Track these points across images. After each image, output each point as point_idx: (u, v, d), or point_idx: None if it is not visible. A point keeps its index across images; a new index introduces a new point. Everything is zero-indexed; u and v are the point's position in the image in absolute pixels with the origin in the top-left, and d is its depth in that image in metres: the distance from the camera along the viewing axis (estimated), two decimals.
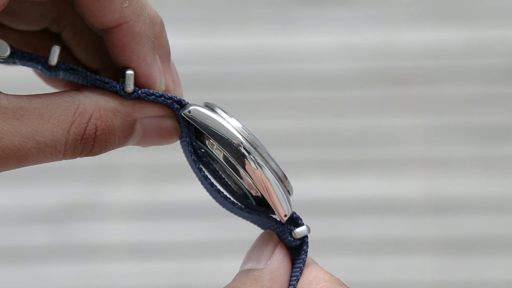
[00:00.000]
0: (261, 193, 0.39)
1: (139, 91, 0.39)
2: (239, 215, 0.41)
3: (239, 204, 0.40)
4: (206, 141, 0.39)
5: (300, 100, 1.05)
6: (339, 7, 1.07)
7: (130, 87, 0.39)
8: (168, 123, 0.40)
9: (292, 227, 0.39)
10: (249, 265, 0.39)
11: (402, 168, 1.03)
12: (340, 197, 1.02)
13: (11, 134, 0.36)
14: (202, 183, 0.41)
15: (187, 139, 0.40)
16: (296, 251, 0.40)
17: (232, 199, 0.40)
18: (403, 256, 1.00)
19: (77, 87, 0.39)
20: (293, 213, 0.39)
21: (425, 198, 1.02)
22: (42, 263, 1.01)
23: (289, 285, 0.39)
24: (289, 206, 0.39)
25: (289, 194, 0.39)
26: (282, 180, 0.39)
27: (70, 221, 1.02)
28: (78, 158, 0.38)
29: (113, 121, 0.38)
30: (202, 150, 0.40)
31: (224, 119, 0.39)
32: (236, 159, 0.38)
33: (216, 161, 0.40)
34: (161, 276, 1.01)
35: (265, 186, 0.38)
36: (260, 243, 0.40)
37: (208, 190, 0.42)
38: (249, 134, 0.39)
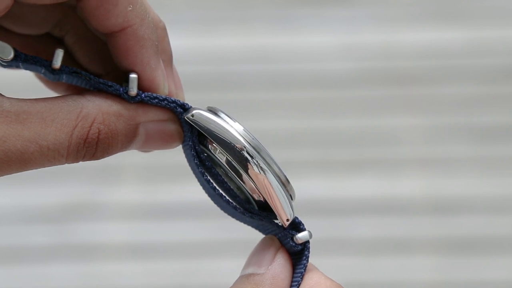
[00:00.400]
0: (263, 198, 0.39)
1: (143, 95, 0.39)
2: (241, 220, 0.41)
3: (241, 209, 0.40)
4: (209, 145, 0.39)
5: (300, 100, 1.05)
6: (339, 7, 1.07)
7: (133, 90, 0.39)
8: (171, 127, 0.40)
9: (294, 232, 0.39)
10: (250, 270, 0.39)
11: (402, 168, 1.03)
12: (340, 197, 1.02)
13: (13, 137, 0.36)
14: (204, 187, 0.41)
15: (190, 143, 0.40)
16: (298, 256, 0.39)
17: (234, 203, 0.40)
18: (403, 256, 1.00)
19: (79, 92, 0.39)
20: (295, 218, 0.39)
21: (425, 198, 1.02)
22: (42, 263, 1.01)
23: None
24: (291, 210, 0.39)
25: (292, 199, 0.39)
26: (285, 184, 0.39)
27: (70, 221, 1.02)
28: None
29: (116, 125, 0.38)
30: (205, 154, 0.40)
31: (228, 123, 0.39)
32: (239, 163, 0.38)
33: (219, 165, 0.40)
34: (161, 276, 1.01)
35: (267, 191, 0.38)
36: (262, 247, 0.39)
37: (210, 195, 0.41)
38: (252, 138, 0.38)
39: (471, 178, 1.02)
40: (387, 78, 1.05)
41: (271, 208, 0.39)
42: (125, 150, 0.39)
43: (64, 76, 0.38)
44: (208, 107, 0.40)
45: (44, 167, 0.37)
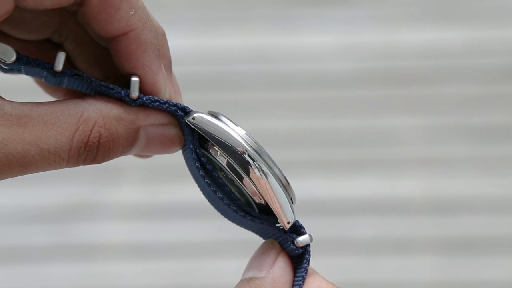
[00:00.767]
0: (264, 200, 0.39)
1: (144, 98, 0.39)
2: (241, 225, 0.41)
3: (242, 212, 0.40)
4: (210, 148, 0.39)
5: (300, 100, 1.05)
6: (339, 7, 1.07)
7: (135, 93, 0.39)
8: (172, 131, 0.40)
9: (294, 236, 0.39)
10: (250, 274, 0.39)
11: (402, 168, 1.03)
12: (340, 197, 1.02)
13: (14, 141, 0.36)
14: (205, 191, 0.41)
15: (191, 147, 0.40)
16: (298, 260, 0.39)
17: (235, 207, 0.40)
18: (403, 256, 1.00)
19: (80, 96, 0.39)
20: (296, 221, 0.39)
21: (425, 198, 1.02)
22: (42, 263, 1.01)
23: None
24: (292, 213, 0.39)
25: (292, 202, 0.39)
26: (286, 187, 0.39)
27: (70, 221, 1.02)
28: None
29: (116, 129, 0.38)
30: (205, 157, 0.40)
31: (229, 126, 0.39)
32: (240, 166, 0.38)
33: (219, 168, 0.40)
34: (161, 276, 1.01)
35: (269, 194, 0.38)
36: (262, 251, 0.39)
37: (210, 198, 0.41)
38: (253, 141, 0.39)
39: (471, 178, 1.03)
40: (387, 78, 1.05)
41: (272, 212, 0.39)
42: (125, 154, 0.39)
43: (66, 80, 0.38)
44: (209, 111, 0.40)
45: (45, 170, 0.37)
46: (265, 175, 0.38)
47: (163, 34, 0.41)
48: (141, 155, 0.42)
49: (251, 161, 0.38)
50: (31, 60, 0.38)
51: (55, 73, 0.38)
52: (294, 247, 0.39)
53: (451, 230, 1.01)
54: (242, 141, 0.38)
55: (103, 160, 0.38)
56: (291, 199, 0.39)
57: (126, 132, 0.38)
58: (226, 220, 0.43)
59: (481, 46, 1.06)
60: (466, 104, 1.05)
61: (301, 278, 0.38)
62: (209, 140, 0.39)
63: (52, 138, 0.36)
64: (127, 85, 0.39)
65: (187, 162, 0.41)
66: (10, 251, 1.02)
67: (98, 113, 0.37)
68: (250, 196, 0.39)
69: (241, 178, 0.39)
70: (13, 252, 1.02)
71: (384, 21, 1.07)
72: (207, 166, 0.40)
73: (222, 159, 0.39)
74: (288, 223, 0.39)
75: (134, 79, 0.39)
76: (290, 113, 1.05)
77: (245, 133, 0.39)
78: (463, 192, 1.02)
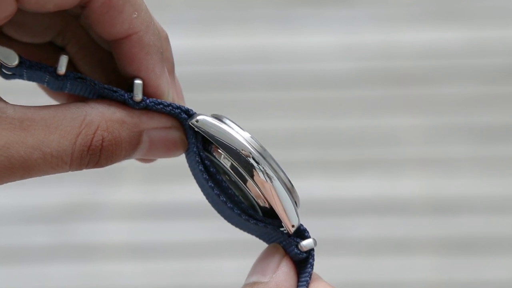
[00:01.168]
0: (268, 204, 0.39)
1: (147, 100, 0.39)
2: (244, 229, 0.41)
3: (246, 215, 0.39)
4: (214, 151, 0.39)
5: (300, 100, 1.05)
6: (339, 7, 1.07)
7: (138, 96, 0.38)
8: (175, 134, 0.40)
9: (298, 240, 0.39)
10: (254, 278, 0.38)
11: (402, 168, 1.03)
12: (340, 197, 1.02)
13: (17, 144, 0.35)
14: (208, 195, 0.41)
15: (194, 149, 0.40)
16: (302, 264, 0.39)
17: (239, 210, 0.40)
18: (403, 256, 1.00)
19: (83, 99, 0.39)
20: (300, 225, 0.39)
21: (425, 198, 1.02)
22: (42, 263, 1.01)
23: None
24: (297, 217, 0.39)
25: (297, 206, 0.39)
26: (291, 190, 0.39)
27: (70, 221, 1.02)
28: None
29: (119, 132, 0.38)
30: (208, 161, 0.40)
31: (233, 129, 0.39)
32: (245, 169, 0.38)
33: (223, 172, 0.40)
34: (161, 276, 1.01)
35: (273, 197, 0.38)
36: (266, 255, 0.39)
37: (213, 202, 0.41)
38: (258, 144, 0.38)
39: (471, 178, 1.03)
40: (387, 78, 1.05)
41: (276, 215, 0.39)
42: (128, 158, 0.39)
43: (68, 84, 0.38)
44: (213, 114, 0.40)
45: (48, 174, 0.37)
46: (270, 179, 0.38)
47: (166, 38, 0.41)
48: (143, 159, 0.42)
49: (255, 164, 0.38)
50: (33, 64, 0.37)
51: (58, 77, 0.38)
52: (298, 252, 0.39)
53: (451, 230, 1.01)
54: (247, 144, 0.38)
55: (106, 164, 0.38)
56: (295, 202, 0.39)
57: (129, 136, 0.38)
58: (225, 220, 0.43)
59: (481, 46, 1.06)
60: (466, 104, 1.05)
61: (305, 282, 0.38)
62: (213, 143, 0.39)
63: (55, 142, 0.36)
64: (130, 88, 0.39)
65: (190, 165, 0.41)
66: (10, 251, 1.02)
67: (101, 116, 0.37)
68: (254, 199, 0.39)
69: (245, 181, 0.39)
70: (13, 252, 1.01)
71: (384, 21, 1.07)
72: (211, 169, 0.40)
73: (226, 162, 0.39)
74: (293, 226, 0.38)
75: (137, 81, 0.39)
76: (290, 113, 1.05)
77: (250, 136, 0.39)
78: (463, 192, 1.02)
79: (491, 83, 1.05)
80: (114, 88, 0.38)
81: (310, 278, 0.38)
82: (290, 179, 0.39)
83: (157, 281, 1.01)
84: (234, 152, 0.38)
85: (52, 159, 0.36)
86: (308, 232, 0.39)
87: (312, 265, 0.39)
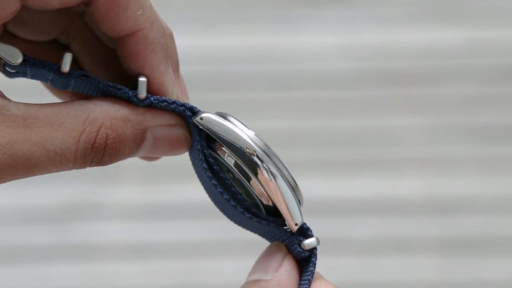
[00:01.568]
0: (272, 202, 0.39)
1: (152, 98, 0.39)
2: (247, 227, 0.41)
3: (249, 213, 0.39)
4: (218, 149, 0.39)
5: (300, 100, 1.05)
6: (339, 7, 1.07)
7: (143, 93, 0.38)
8: (179, 132, 0.40)
9: (301, 238, 0.39)
10: (255, 276, 0.38)
11: (402, 168, 1.03)
12: (340, 197, 1.02)
13: (20, 142, 0.35)
14: (211, 193, 0.41)
15: (198, 147, 0.39)
16: (305, 263, 0.39)
17: (242, 208, 0.39)
18: (403, 256, 1.00)
19: (86, 97, 0.39)
20: (303, 223, 0.39)
21: (425, 198, 1.02)
22: (42, 263, 1.01)
23: None
24: (300, 215, 0.38)
25: (300, 204, 0.39)
26: (294, 189, 0.39)
27: (70, 221, 1.02)
28: None
29: (123, 130, 0.38)
30: (212, 158, 0.40)
31: (237, 126, 0.39)
32: (249, 167, 0.38)
33: (227, 169, 0.40)
34: (161, 276, 1.01)
35: (277, 196, 0.38)
36: (268, 253, 0.39)
37: (216, 201, 0.41)
38: (263, 142, 0.38)
39: (471, 178, 1.03)
40: (387, 78, 1.05)
41: (279, 213, 0.39)
42: (132, 156, 0.39)
43: (72, 82, 0.38)
44: (217, 112, 0.40)
45: (51, 172, 0.37)
46: (274, 177, 0.38)
47: (171, 36, 0.41)
48: (147, 157, 0.42)
49: (259, 162, 0.38)
50: (37, 62, 0.37)
51: (62, 74, 0.38)
52: (301, 250, 0.39)
53: (451, 230, 1.01)
54: (251, 142, 0.38)
55: (110, 162, 0.38)
56: (299, 201, 0.39)
57: (133, 133, 0.38)
58: (226, 220, 0.42)
59: (481, 46, 1.06)
60: (466, 104, 1.05)
61: (307, 281, 0.38)
62: (217, 141, 0.39)
63: (59, 139, 0.36)
64: (134, 85, 0.39)
65: (193, 163, 0.41)
66: (10, 251, 1.01)
67: (105, 114, 0.37)
68: (258, 198, 0.39)
69: (248, 179, 0.38)
70: (13, 252, 1.01)
71: (384, 21, 1.07)
72: (214, 167, 0.40)
73: (230, 159, 0.39)
74: (296, 225, 0.38)
75: (142, 79, 0.38)
76: (290, 113, 1.05)
77: (254, 134, 0.39)
78: (463, 192, 1.02)
79: (491, 83, 1.05)
80: (118, 86, 0.38)
81: (312, 277, 0.38)
82: (294, 178, 0.39)
83: (157, 281, 1.01)
84: (238, 150, 0.38)
85: (56, 156, 0.36)
86: (311, 230, 0.39)
87: (315, 264, 0.38)
